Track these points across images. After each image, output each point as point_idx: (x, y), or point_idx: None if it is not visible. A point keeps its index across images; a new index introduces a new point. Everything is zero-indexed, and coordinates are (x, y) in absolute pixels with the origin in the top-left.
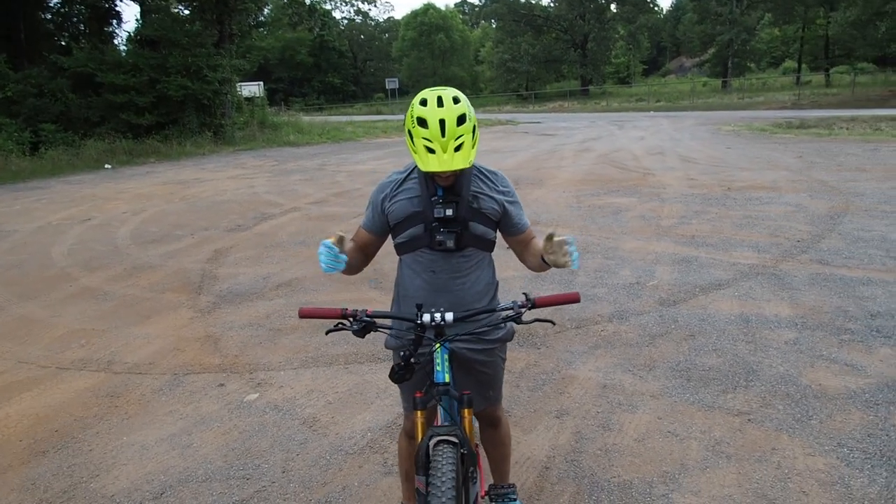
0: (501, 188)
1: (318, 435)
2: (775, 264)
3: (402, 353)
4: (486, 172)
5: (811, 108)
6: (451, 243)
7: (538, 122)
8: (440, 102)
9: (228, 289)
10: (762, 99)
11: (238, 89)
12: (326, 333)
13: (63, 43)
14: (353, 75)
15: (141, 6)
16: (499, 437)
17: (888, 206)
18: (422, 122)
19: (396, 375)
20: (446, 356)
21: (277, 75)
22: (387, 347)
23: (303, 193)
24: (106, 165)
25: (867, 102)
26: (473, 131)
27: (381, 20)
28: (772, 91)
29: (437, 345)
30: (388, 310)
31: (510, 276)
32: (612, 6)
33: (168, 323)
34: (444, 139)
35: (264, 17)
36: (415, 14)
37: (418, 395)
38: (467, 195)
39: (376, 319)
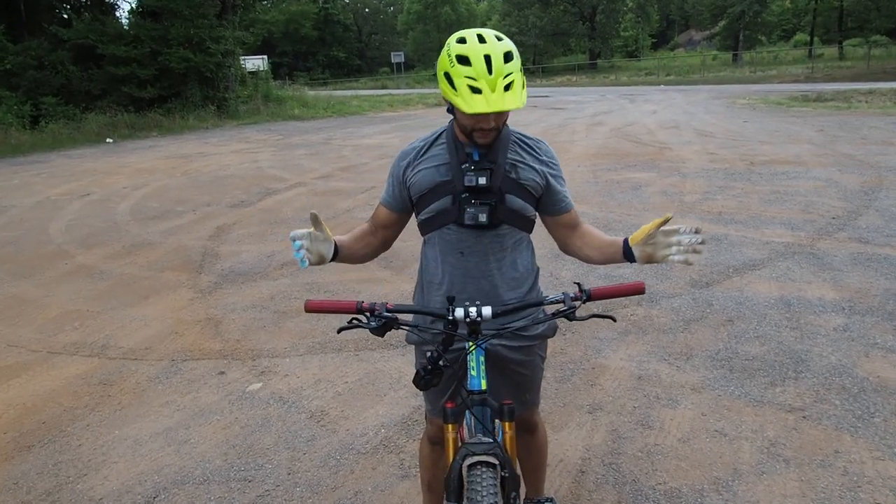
0: (545, 158)
1: (328, 431)
2: (812, 243)
3: (428, 354)
4: (526, 140)
5: (826, 81)
6: (483, 218)
7: (547, 97)
8: (482, 39)
9: (230, 268)
10: (775, 72)
11: (242, 62)
12: (339, 332)
13: (64, 15)
14: (358, 49)
15: None
16: (535, 444)
17: None
18: (463, 60)
19: (422, 381)
20: (482, 358)
21: (282, 49)
22: (408, 343)
23: (308, 168)
24: (107, 139)
25: (883, 75)
26: (522, 72)
27: None
28: (784, 64)
29: (472, 345)
30: (412, 298)
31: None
32: None
33: (167, 304)
34: (492, 76)
35: None
36: None
37: (449, 405)
38: (504, 162)
39: (398, 315)
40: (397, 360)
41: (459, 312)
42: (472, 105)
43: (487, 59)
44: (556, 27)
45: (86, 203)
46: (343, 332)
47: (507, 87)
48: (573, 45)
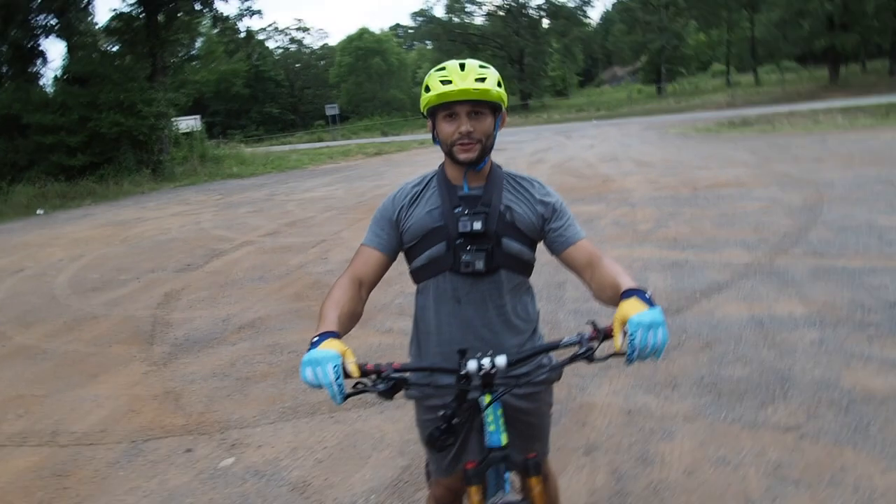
0: (540, 197)
1: (313, 503)
2: (770, 260)
3: (441, 413)
4: (520, 180)
5: (746, 106)
6: (480, 264)
7: None
8: (462, 66)
9: (185, 335)
10: (698, 101)
11: (174, 124)
12: (344, 399)
13: None
14: (292, 104)
15: (67, 43)
16: (548, 495)
17: (861, 193)
18: (439, 69)
19: (438, 443)
20: (500, 412)
21: (214, 108)
22: (407, 398)
23: (253, 226)
24: (38, 211)
25: (797, 97)
26: (499, 84)
27: (315, 48)
28: (705, 93)
29: (487, 398)
30: (408, 351)
31: None
32: (545, 21)
33: (119, 380)
34: (464, 72)
35: (196, 51)
36: (350, 39)
37: (470, 465)
38: (498, 205)
39: (407, 374)
40: (376, 419)
41: (472, 365)
42: (441, 94)
43: (462, 65)
44: None
45: (20, 279)
46: (314, 393)
47: (478, 80)
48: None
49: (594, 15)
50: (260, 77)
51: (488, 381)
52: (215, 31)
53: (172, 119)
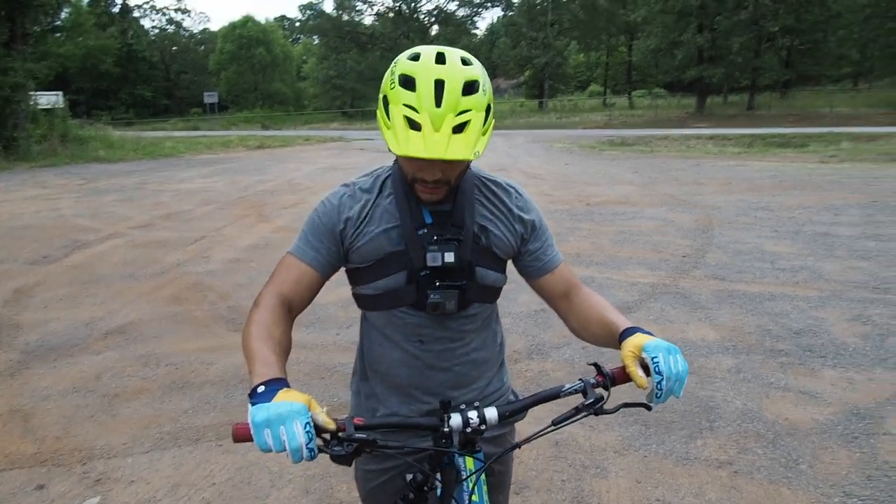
0: (518, 212)
1: None
2: (674, 282)
3: (410, 478)
4: (493, 187)
5: (622, 127)
6: (452, 305)
7: (370, 140)
8: (440, 59)
9: (38, 341)
10: (578, 119)
11: (32, 98)
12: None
13: None
14: (167, 88)
15: None
16: None
17: (747, 218)
18: (407, 83)
19: None
20: (483, 477)
21: (78, 85)
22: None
23: (122, 216)
24: None
25: (668, 123)
26: (487, 113)
27: (195, 31)
28: (584, 112)
29: (469, 462)
30: (349, 387)
31: None
32: (435, 27)
33: None
34: (440, 110)
35: (62, 22)
36: (233, 26)
37: None
38: (472, 225)
39: (380, 435)
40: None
41: (456, 421)
42: (403, 145)
43: (439, 85)
44: (375, 72)
45: None
46: (197, 415)
47: (458, 129)
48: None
49: (482, 26)
50: (133, 56)
51: (471, 439)
52: (86, 1)
53: (31, 93)
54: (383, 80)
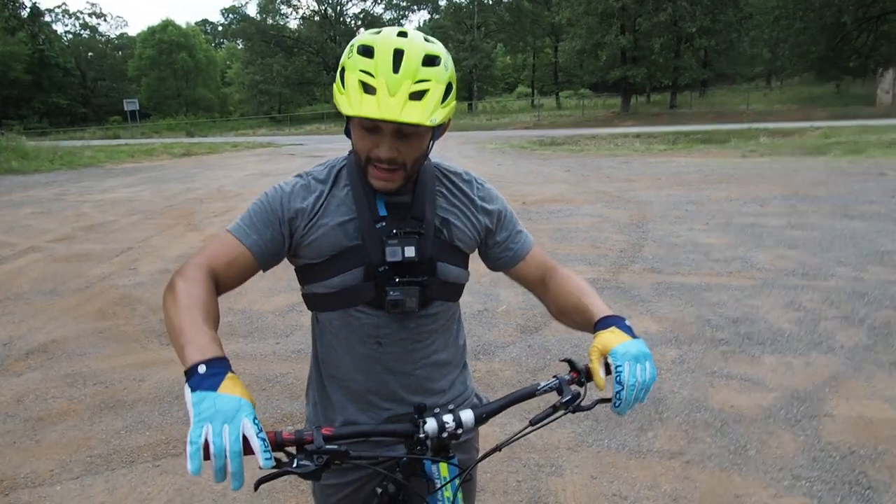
0: (481, 203)
1: None
2: (614, 276)
3: (381, 488)
4: (453, 177)
5: (551, 127)
6: (413, 303)
7: (301, 144)
8: (403, 35)
9: None
10: (507, 120)
11: None
12: (256, 488)
13: None
14: (83, 96)
15: None
16: None
17: (678, 212)
18: (365, 51)
19: None
20: (458, 484)
21: None
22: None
23: (40, 229)
24: None
25: (595, 122)
26: (449, 88)
27: (112, 36)
28: (513, 113)
29: (444, 468)
30: (305, 395)
31: None
32: (362, 31)
33: None
34: (397, 75)
35: None
36: (152, 31)
37: None
38: (433, 218)
39: (346, 445)
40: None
41: (431, 425)
42: (356, 106)
43: (398, 54)
44: (302, 76)
45: None
46: (130, 435)
47: (415, 96)
48: (318, 95)
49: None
50: (45, 63)
51: (444, 445)
52: None
53: None
54: (342, 59)
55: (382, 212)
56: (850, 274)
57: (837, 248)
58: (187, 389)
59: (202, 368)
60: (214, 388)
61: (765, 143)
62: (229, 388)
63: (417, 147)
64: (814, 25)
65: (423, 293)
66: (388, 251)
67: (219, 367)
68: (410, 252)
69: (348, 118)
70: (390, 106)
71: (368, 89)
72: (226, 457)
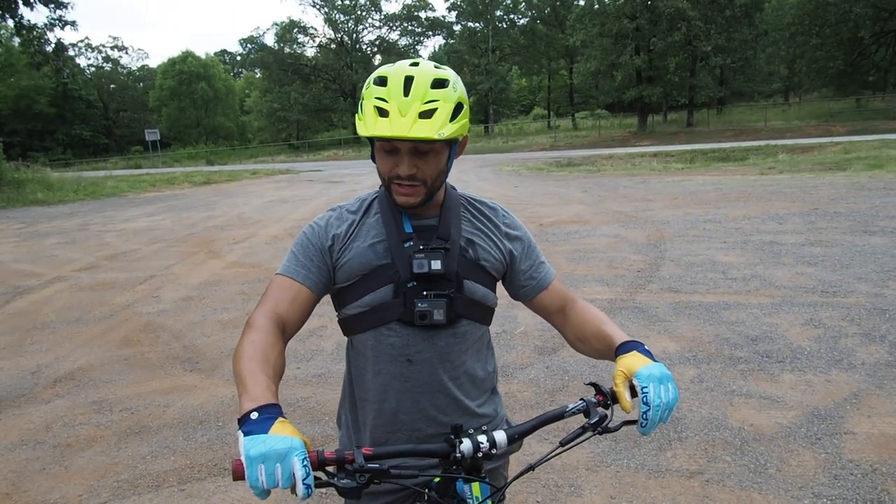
0: (506, 229)
1: None
2: (631, 297)
3: None
4: (479, 205)
5: (568, 148)
6: (440, 315)
7: (319, 171)
8: (414, 65)
9: None
10: (524, 142)
11: None
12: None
13: None
14: (105, 127)
15: None
16: None
17: (695, 231)
18: (380, 81)
19: None
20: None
21: (12, 127)
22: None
23: (66, 259)
24: None
25: (612, 142)
26: (458, 108)
27: (134, 68)
28: (529, 135)
29: (476, 489)
30: (337, 420)
31: None
32: (377, 57)
33: None
34: (407, 99)
35: None
36: (173, 62)
37: None
38: (458, 238)
39: (387, 464)
40: (238, 490)
41: (467, 446)
42: (370, 127)
43: (409, 80)
44: (319, 103)
45: None
46: (156, 460)
47: (425, 115)
48: (336, 121)
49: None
50: (68, 96)
51: (477, 465)
52: (17, 40)
53: None
54: (362, 89)
55: (408, 228)
56: (871, 290)
57: (857, 264)
58: (240, 435)
59: (254, 415)
60: (265, 431)
61: (783, 160)
62: (279, 430)
63: (435, 164)
64: (830, 41)
65: (450, 306)
66: (414, 264)
67: (270, 413)
68: (437, 265)
69: (372, 145)
70: (401, 124)
71: (383, 113)
72: (275, 487)
